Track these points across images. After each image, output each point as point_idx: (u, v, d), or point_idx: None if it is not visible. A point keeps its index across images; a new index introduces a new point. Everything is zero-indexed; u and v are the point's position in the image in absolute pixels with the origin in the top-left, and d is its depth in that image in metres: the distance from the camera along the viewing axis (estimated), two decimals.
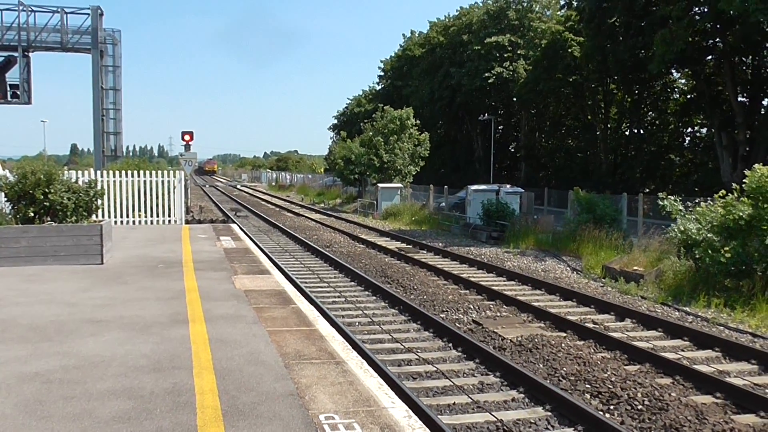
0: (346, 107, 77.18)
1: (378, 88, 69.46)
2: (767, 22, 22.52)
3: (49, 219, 10.78)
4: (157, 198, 17.52)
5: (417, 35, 61.03)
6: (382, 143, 37.50)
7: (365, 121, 43.48)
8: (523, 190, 25.57)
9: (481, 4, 51.81)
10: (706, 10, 26.25)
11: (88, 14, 33.76)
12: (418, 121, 39.27)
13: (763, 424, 6.27)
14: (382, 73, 66.63)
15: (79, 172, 16.07)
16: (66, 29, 33.83)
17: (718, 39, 28.68)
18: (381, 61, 67.73)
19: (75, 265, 10.22)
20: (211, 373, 5.05)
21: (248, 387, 4.75)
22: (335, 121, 79.64)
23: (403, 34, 65.38)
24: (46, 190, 10.59)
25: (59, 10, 33.51)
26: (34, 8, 33.28)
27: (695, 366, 7.98)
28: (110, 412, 4.25)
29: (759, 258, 11.48)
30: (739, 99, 29.70)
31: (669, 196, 14.02)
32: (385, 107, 39.74)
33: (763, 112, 29.31)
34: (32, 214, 10.60)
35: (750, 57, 30.71)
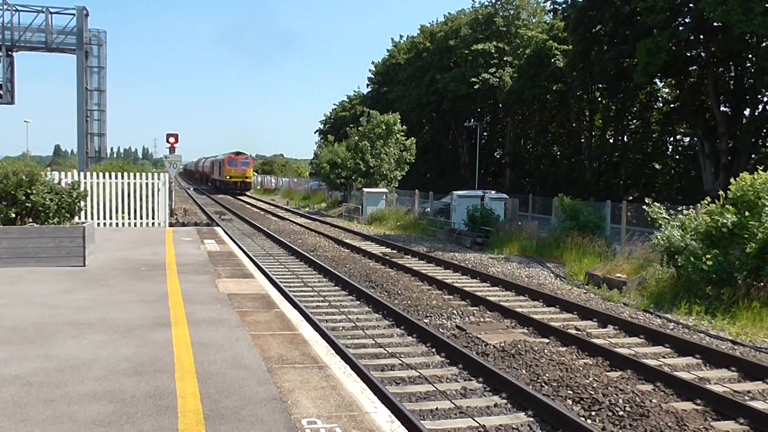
0: (332, 111, 77.15)
1: (365, 92, 69.50)
2: (749, 32, 22.82)
3: (30, 220, 10.68)
4: (140, 200, 17.41)
5: (403, 40, 61.16)
6: (369, 148, 37.50)
7: (351, 125, 43.49)
8: (507, 197, 25.66)
9: (468, 11, 52.10)
10: (688, 20, 26.60)
11: (74, 14, 33.49)
12: (404, 126, 39.33)
13: (743, 430, 6.34)
14: (372, 77, 66.70)
15: (62, 173, 15.95)
16: (51, 29, 33.52)
17: (701, 49, 29.08)
18: (372, 63, 67.80)
19: (57, 267, 10.12)
20: (193, 376, 5.02)
21: (231, 391, 4.73)
22: (321, 126, 79.64)
23: (392, 39, 65.55)
24: (28, 191, 10.51)
25: (44, 10, 33.20)
26: (19, 7, 32.95)
27: (676, 373, 8.04)
28: (91, 416, 4.21)
29: (740, 266, 11.59)
30: (722, 109, 30.13)
31: (654, 203, 14.11)
32: (371, 112, 39.78)
33: (744, 122, 29.71)
34: (14, 215, 10.50)
35: (732, 67, 31.16)
